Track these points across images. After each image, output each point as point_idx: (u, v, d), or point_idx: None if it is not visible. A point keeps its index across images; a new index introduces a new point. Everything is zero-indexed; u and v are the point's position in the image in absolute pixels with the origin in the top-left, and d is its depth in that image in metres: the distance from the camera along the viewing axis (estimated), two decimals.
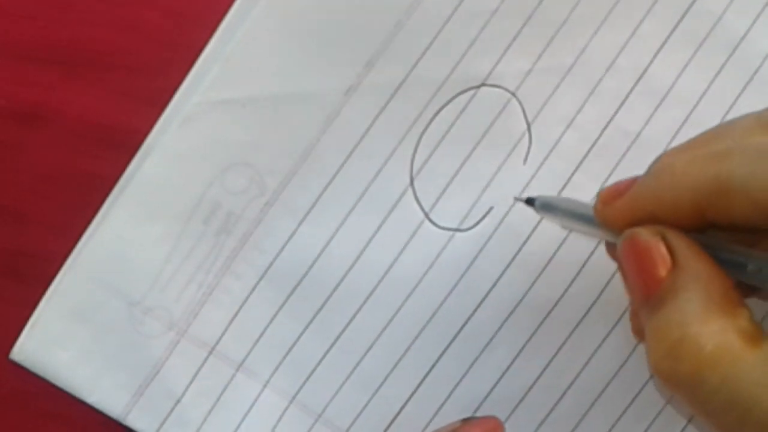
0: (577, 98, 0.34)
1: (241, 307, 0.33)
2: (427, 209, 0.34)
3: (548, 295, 0.33)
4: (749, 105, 0.33)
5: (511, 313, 0.33)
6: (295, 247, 0.33)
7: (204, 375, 0.33)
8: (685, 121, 0.34)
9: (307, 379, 0.33)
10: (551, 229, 0.33)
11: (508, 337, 0.33)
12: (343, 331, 0.33)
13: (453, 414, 0.33)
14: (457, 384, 0.34)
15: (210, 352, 0.33)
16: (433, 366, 0.33)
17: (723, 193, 0.23)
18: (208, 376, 0.33)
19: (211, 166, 0.33)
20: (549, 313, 0.33)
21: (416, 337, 0.33)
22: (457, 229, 0.34)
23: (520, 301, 0.33)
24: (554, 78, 0.34)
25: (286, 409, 0.33)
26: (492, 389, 0.34)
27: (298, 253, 0.33)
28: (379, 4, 0.33)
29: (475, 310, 0.33)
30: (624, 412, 0.34)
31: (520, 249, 0.33)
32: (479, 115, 0.34)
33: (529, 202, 0.32)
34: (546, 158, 0.34)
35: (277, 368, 0.33)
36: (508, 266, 0.33)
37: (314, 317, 0.33)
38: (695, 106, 0.34)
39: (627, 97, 0.34)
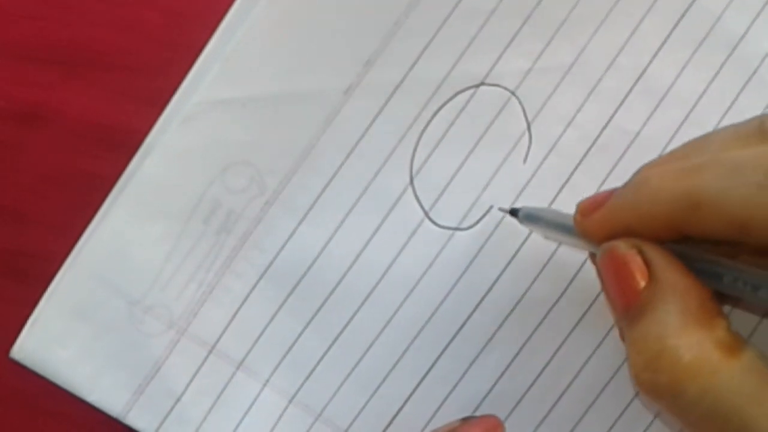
0: (576, 97, 0.34)
1: (241, 306, 0.33)
2: (426, 208, 0.34)
3: (548, 294, 0.33)
4: (748, 104, 0.34)
5: (511, 312, 0.33)
6: (295, 246, 0.33)
7: (204, 374, 0.33)
8: (685, 120, 0.34)
9: (307, 378, 0.33)
10: None
11: (507, 336, 0.33)
12: (343, 330, 0.33)
13: (452, 413, 0.33)
14: (457, 383, 0.34)
15: (210, 351, 0.33)
16: (432, 365, 0.33)
17: (695, 208, 0.23)
18: (208, 375, 0.33)
19: (211, 165, 0.33)
20: (549, 311, 0.33)
21: (416, 336, 0.33)
22: (457, 228, 0.34)
23: (520, 300, 0.33)
24: (554, 77, 0.34)
25: (286, 408, 0.33)
26: (491, 388, 0.34)
27: (298, 252, 0.33)
28: (378, 3, 0.33)
29: (475, 309, 0.33)
30: (624, 411, 0.34)
31: (520, 248, 0.33)
32: (479, 114, 0.34)
33: (513, 213, 0.32)
34: (546, 157, 0.34)
35: (277, 367, 0.33)
36: (507, 265, 0.33)
37: (314, 316, 0.33)
38: (694, 106, 0.34)
39: (627, 96, 0.34)
